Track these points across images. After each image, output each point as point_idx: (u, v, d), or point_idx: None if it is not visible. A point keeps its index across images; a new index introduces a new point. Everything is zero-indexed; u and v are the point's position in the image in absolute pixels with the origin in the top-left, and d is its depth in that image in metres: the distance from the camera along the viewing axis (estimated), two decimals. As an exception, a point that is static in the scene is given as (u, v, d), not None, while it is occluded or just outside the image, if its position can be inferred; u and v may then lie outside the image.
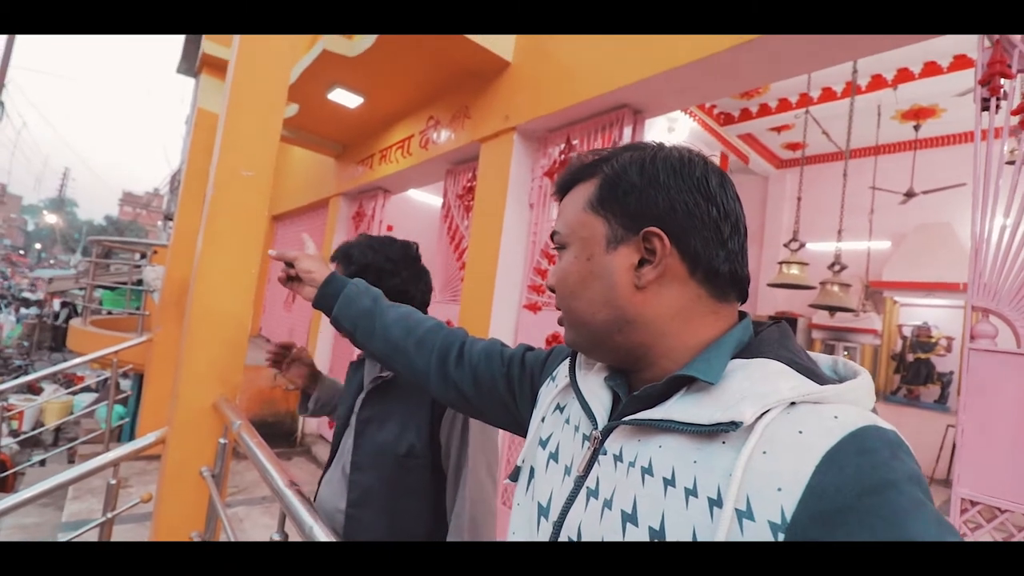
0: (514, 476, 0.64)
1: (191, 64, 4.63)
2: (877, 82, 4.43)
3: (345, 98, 3.63)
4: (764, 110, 5.10)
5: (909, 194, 5.06)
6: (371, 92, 3.55)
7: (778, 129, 5.66)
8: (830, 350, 6.04)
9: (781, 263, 4.73)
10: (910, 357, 5.73)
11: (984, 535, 1.34)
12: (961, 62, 4.00)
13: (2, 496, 1.63)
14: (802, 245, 4.50)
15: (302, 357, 1.44)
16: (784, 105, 4.96)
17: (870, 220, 5.63)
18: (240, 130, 1.85)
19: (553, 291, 0.59)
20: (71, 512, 2.89)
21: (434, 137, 3.42)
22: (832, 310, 4.78)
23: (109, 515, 1.66)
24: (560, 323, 0.59)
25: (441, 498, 1.12)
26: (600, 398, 0.56)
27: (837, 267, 4.40)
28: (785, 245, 4.63)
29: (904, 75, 4.28)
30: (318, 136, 4.69)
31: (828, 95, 4.70)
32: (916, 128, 5.32)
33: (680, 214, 0.50)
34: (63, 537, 1.72)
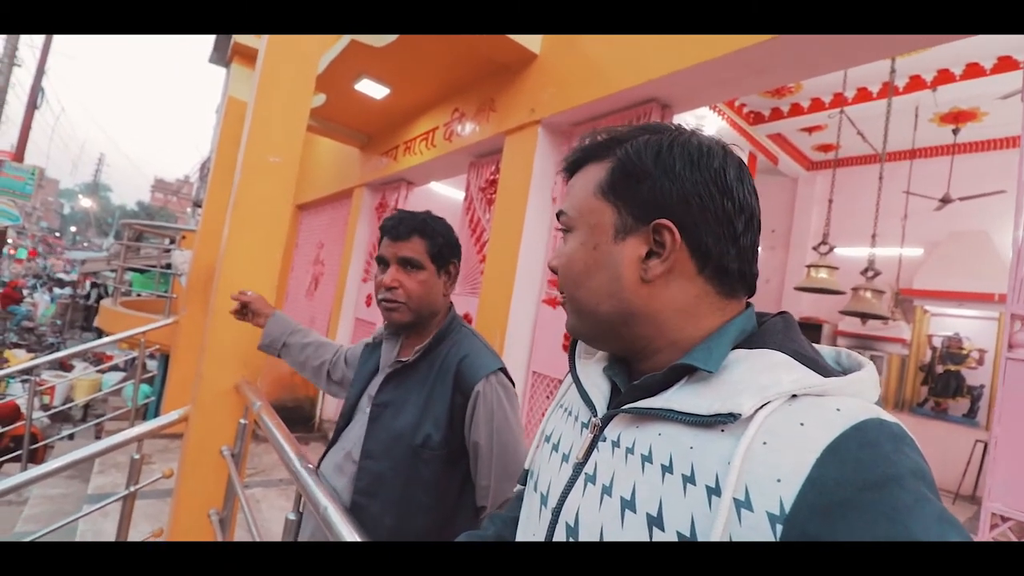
0: (523, 479, 0.65)
1: (223, 53, 4.72)
2: (915, 83, 4.27)
3: (371, 89, 3.65)
4: (796, 109, 4.97)
5: (945, 200, 4.89)
6: (397, 83, 3.56)
7: (809, 130, 5.51)
8: (855, 358, 5.90)
9: (809, 266, 4.62)
10: (939, 368, 5.56)
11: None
12: (1006, 63, 3.83)
13: (32, 467, 1.69)
14: (831, 249, 4.38)
15: (258, 308, 1.53)
16: (817, 105, 4.82)
17: (903, 226, 5.47)
18: (268, 118, 1.88)
19: (556, 272, 0.58)
20: (96, 485, 2.99)
21: (458, 129, 3.42)
22: (864, 317, 4.65)
23: (132, 489, 1.70)
24: (562, 304, 0.58)
25: (451, 493, 1.09)
26: (599, 387, 0.56)
27: (871, 273, 4.28)
28: (814, 248, 4.52)
29: (944, 76, 4.12)
30: (344, 126, 4.73)
31: (863, 95, 4.56)
32: (955, 132, 5.13)
33: (694, 207, 0.48)
34: (88, 508, 1.78)
